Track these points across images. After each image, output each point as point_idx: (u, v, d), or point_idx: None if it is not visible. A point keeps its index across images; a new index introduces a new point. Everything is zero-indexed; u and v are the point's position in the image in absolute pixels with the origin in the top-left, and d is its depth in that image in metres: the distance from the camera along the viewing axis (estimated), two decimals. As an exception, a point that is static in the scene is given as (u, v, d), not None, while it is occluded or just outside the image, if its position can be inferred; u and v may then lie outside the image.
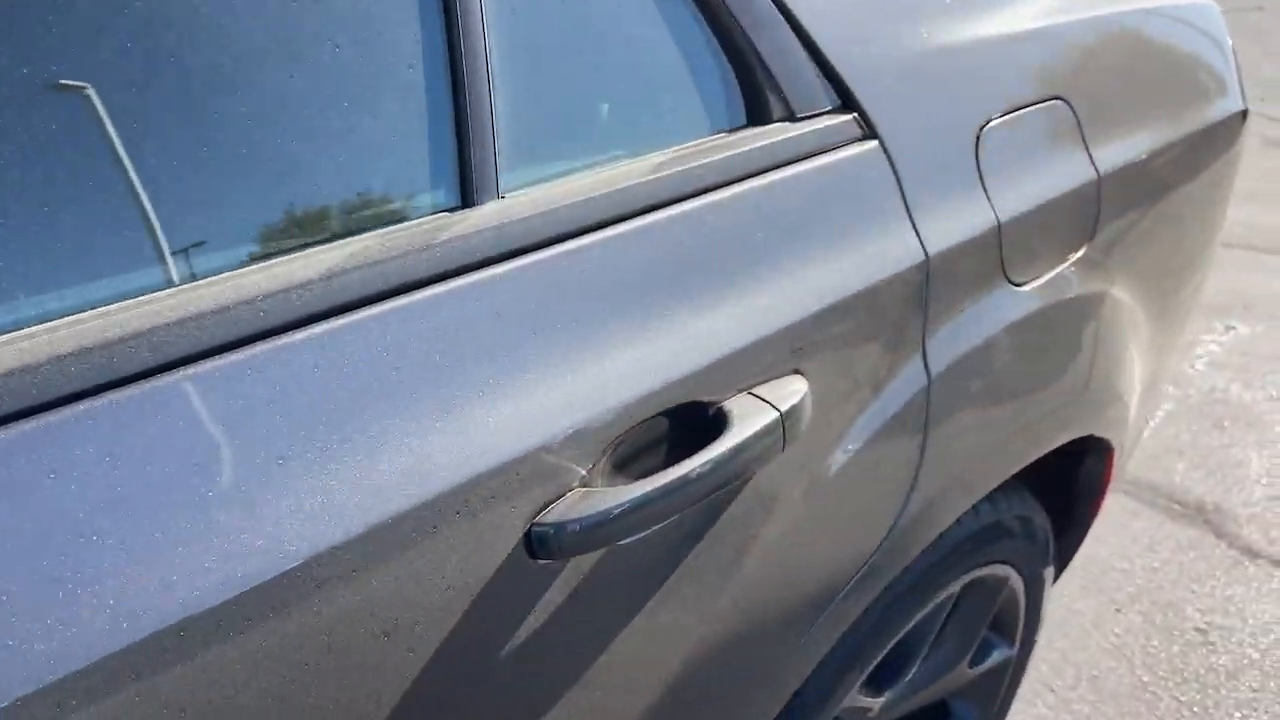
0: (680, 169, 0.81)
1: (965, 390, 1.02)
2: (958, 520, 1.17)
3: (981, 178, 1.04)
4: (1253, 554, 2.50)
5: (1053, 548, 1.44)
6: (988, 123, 1.06)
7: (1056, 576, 1.65)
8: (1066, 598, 2.34)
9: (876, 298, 0.90)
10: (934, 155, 0.98)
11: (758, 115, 0.90)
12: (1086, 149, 1.19)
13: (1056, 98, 1.17)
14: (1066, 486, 1.51)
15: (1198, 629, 2.26)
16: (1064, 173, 1.14)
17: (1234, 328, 3.54)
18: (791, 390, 0.81)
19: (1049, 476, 1.44)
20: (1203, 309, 3.65)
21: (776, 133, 0.88)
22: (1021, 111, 1.11)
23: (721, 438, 0.74)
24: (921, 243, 0.95)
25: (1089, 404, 1.25)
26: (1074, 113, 1.19)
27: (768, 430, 0.77)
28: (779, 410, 0.78)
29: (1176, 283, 1.50)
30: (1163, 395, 3.16)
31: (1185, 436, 2.96)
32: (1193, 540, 2.54)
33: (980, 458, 1.07)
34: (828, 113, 0.93)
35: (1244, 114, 1.57)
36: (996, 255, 1.05)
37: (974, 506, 1.20)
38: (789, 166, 0.87)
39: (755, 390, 0.80)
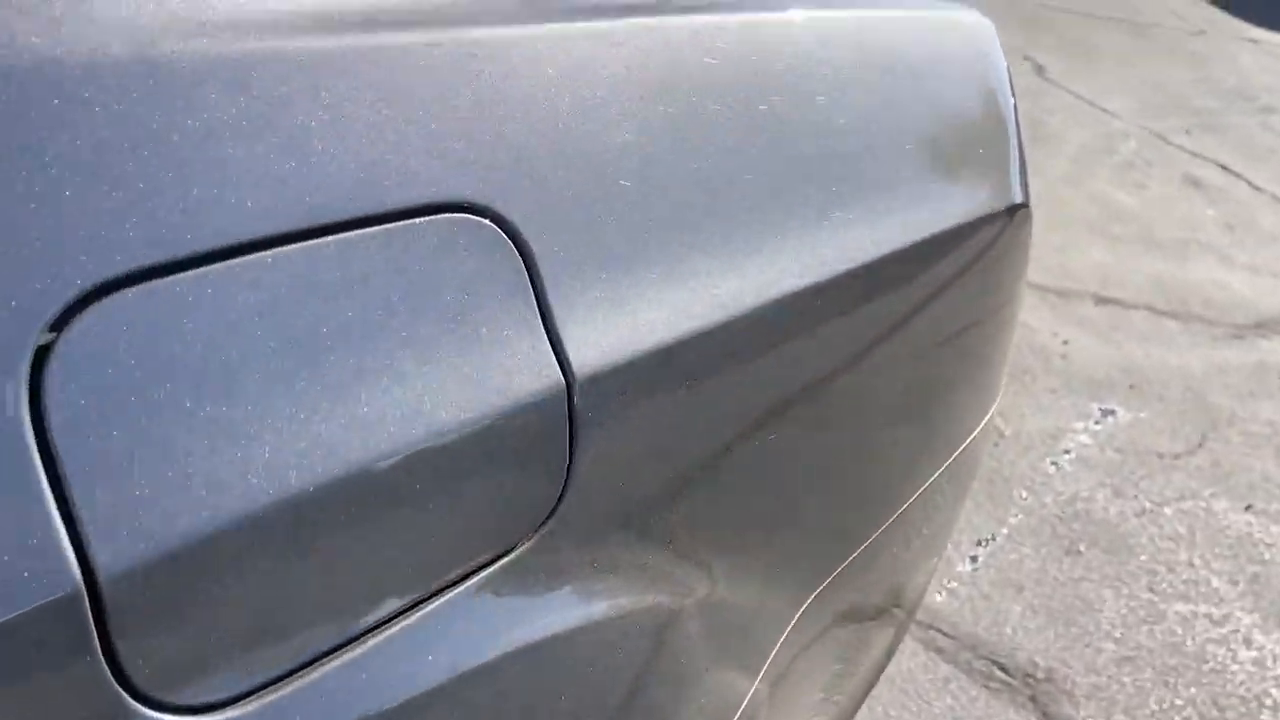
0: None
1: None
2: None
3: (52, 469, 0.38)
4: (1083, 753, 1.90)
5: None
6: (82, 306, 0.39)
7: None
8: (821, 823, 1.70)
9: None
10: None
11: None
12: (544, 319, 0.54)
13: (461, 207, 0.51)
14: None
15: None
16: (451, 384, 0.49)
17: (1112, 413, 2.95)
18: None
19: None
20: (1078, 384, 3.05)
21: None
22: (277, 253, 0.45)
23: None
24: None
25: None
26: (513, 239, 0.53)
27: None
28: None
29: (866, 526, 0.85)
30: (1010, 502, 2.56)
31: (1030, 564, 2.35)
32: (1010, 729, 1.93)
33: None
34: None
35: (1017, 209, 0.93)
36: (85, 628, 0.39)
37: None
38: None
39: None
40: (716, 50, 0.63)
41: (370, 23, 0.49)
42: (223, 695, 0.42)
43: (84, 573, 0.38)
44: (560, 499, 0.55)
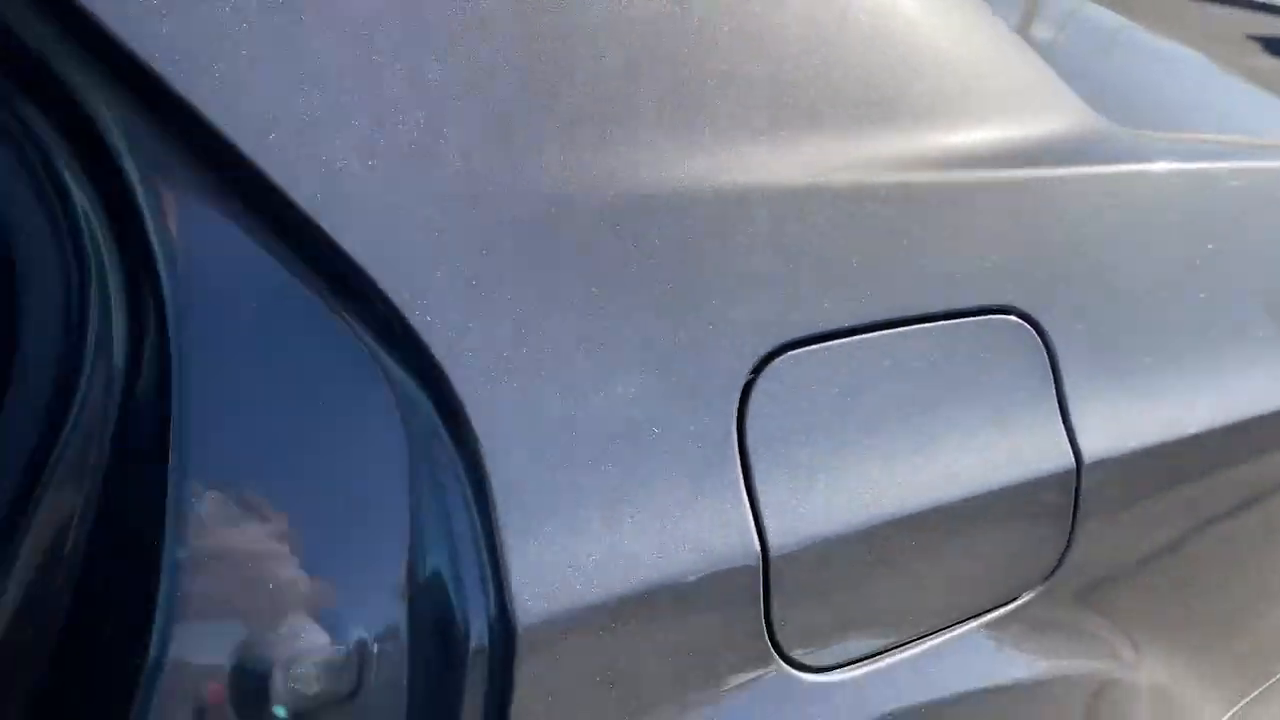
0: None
1: None
2: None
3: (746, 464, 0.53)
4: None
5: None
6: (777, 354, 0.54)
7: None
8: None
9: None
10: (564, 435, 0.49)
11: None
12: (1062, 409, 0.64)
13: (1003, 310, 0.63)
14: None
15: None
16: (984, 453, 0.61)
17: None
18: None
19: None
20: None
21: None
22: (886, 335, 0.58)
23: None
24: (502, 590, 0.46)
25: None
26: (1043, 339, 0.64)
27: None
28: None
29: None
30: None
31: None
32: None
33: None
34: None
35: None
36: (756, 610, 0.53)
37: None
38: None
39: None
40: (1228, 194, 0.73)
41: (952, 163, 0.63)
42: (831, 661, 0.55)
43: (761, 550, 0.52)
44: (1059, 565, 0.65)
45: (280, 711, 0.43)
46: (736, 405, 0.53)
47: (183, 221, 0.44)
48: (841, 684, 0.56)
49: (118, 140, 0.43)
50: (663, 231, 0.51)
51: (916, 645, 0.59)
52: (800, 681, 0.55)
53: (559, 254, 0.49)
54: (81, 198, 0.44)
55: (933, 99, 0.63)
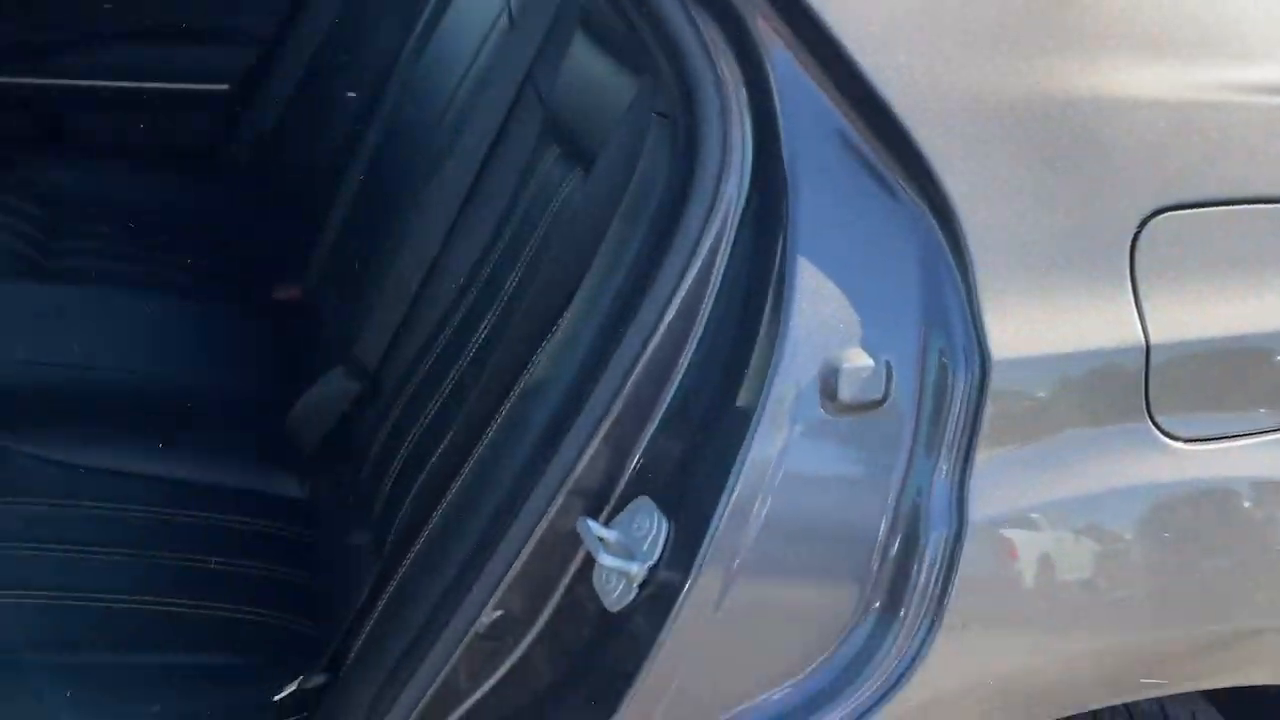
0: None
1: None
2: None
3: (1135, 286, 0.76)
4: None
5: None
6: (1157, 214, 0.77)
7: None
8: None
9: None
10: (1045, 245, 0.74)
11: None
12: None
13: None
14: None
15: None
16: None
17: None
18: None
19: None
20: None
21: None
22: (1238, 208, 0.80)
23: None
24: (980, 342, 0.71)
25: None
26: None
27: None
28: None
29: None
30: None
31: None
32: None
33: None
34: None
35: None
36: (1138, 388, 0.76)
37: None
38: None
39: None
40: None
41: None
42: (1189, 435, 0.78)
43: (1145, 344, 0.75)
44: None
45: (846, 395, 0.70)
46: (1129, 246, 0.76)
47: (796, 91, 0.71)
48: (1195, 454, 0.78)
49: (759, 36, 0.71)
50: (1087, 125, 0.76)
51: (1252, 438, 0.80)
52: (1166, 445, 0.77)
53: (1023, 133, 0.74)
54: (729, 67, 0.72)
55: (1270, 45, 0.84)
